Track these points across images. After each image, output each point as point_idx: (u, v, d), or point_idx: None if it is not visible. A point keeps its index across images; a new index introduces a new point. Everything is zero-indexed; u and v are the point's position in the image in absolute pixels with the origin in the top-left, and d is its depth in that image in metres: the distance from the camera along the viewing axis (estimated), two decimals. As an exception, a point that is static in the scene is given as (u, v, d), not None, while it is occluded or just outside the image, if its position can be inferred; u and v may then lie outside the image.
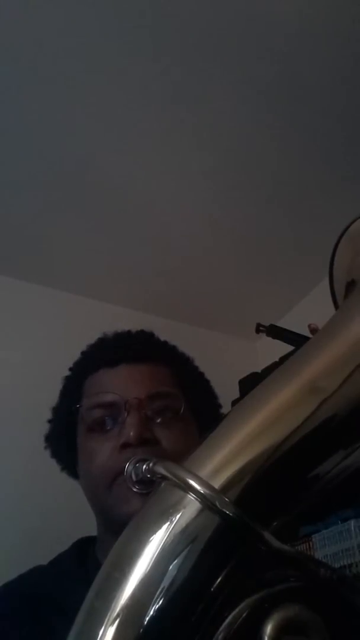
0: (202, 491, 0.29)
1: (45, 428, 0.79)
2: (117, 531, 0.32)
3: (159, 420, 0.68)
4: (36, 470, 1.10)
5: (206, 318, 1.61)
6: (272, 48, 1.02)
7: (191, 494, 0.29)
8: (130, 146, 1.17)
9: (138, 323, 0.84)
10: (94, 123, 1.12)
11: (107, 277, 1.47)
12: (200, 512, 0.29)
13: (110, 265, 1.44)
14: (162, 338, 0.82)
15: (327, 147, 1.20)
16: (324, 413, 0.31)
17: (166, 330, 0.82)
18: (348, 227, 0.48)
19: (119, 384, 0.70)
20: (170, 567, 0.28)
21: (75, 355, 0.80)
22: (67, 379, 0.79)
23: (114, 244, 1.39)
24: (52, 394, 0.79)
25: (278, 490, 0.32)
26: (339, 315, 0.40)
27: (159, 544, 0.29)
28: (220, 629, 0.28)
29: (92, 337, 0.81)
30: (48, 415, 0.79)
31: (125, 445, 0.64)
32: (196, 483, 0.29)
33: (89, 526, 0.73)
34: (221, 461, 0.31)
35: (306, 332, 0.62)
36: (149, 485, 0.32)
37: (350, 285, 0.44)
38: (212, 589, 0.29)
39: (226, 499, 0.29)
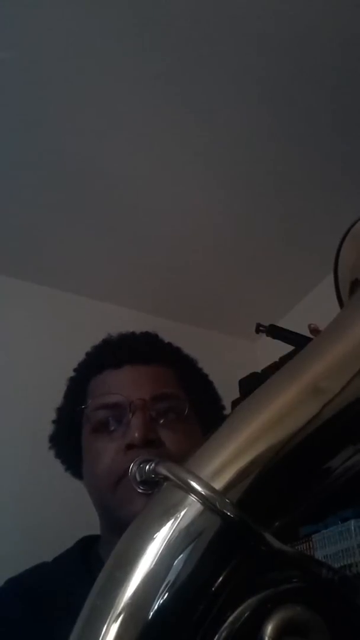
0: (202, 492, 0.29)
1: (46, 428, 0.79)
2: (121, 531, 0.32)
3: (163, 422, 0.68)
4: (38, 470, 1.10)
5: (206, 318, 1.61)
6: (271, 45, 1.02)
7: (192, 494, 0.29)
8: (130, 146, 1.17)
9: (138, 323, 0.84)
10: (93, 123, 1.12)
11: (107, 277, 1.47)
12: (201, 513, 0.29)
13: (110, 266, 1.44)
14: (163, 338, 0.82)
15: (327, 145, 1.20)
16: (327, 415, 0.31)
17: (166, 331, 0.82)
18: (352, 225, 0.48)
19: (123, 385, 0.70)
20: (171, 566, 0.28)
21: (75, 355, 0.80)
22: (72, 380, 0.79)
23: (114, 244, 1.39)
24: (53, 395, 0.79)
25: (279, 492, 0.32)
26: (343, 314, 0.40)
27: (160, 544, 0.29)
28: (223, 627, 0.29)
29: (90, 337, 0.81)
30: (49, 415, 0.79)
31: (129, 447, 0.65)
32: (197, 484, 0.29)
33: (91, 526, 0.73)
34: (222, 462, 0.31)
35: (306, 332, 0.62)
36: (154, 486, 0.33)
37: (354, 285, 0.44)
38: (213, 589, 0.29)
39: (227, 500, 0.29)
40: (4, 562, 0.81)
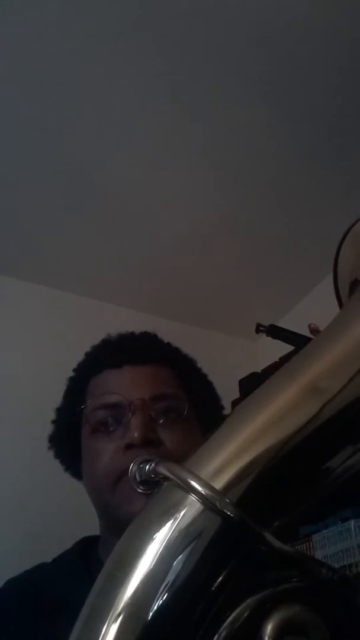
0: (202, 492, 0.29)
1: (46, 428, 0.79)
2: (120, 531, 0.32)
3: (162, 421, 0.68)
4: (38, 470, 1.10)
5: (206, 318, 1.61)
6: (271, 45, 1.02)
7: (192, 494, 0.29)
8: (131, 146, 1.17)
9: (138, 323, 0.84)
10: (94, 123, 1.12)
11: (107, 277, 1.47)
12: (201, 513, 0.29)
13: (110, 266, 1.44)
14: (162, 338, 0.82)
15: (327, 146, 1.20)
16: (326, 414, 0.31)
17: (166, 331, 0.82)
18: (352, 225, 0.48)
19: (123, 385, 0.70)
20: (171, 567, 0.28)
21: (75, 355, 0.80)
22: (71, 380, 0.79)
23: (114, 245, 1.39)
24: (53, 395, 0.79)
25: (279, 491, 0.32)
26: (342, 315, 0.40)
27: (160, 544, 0.29)
28: (222, 627, 0.29)
29: (91, 337, 0.81)
30: (49, 415, 0.79)
31: (129, 446, 0.65)
32: (197, 484, 0.29)
33: (90, 526, 0.73)
34: (222, 462, 0.31)
35: (306, 332, 0.62)
36: (153, 485, 0.32)
37: (354, 285, 0.44)
38: (213, 588, 0.29)
39: (227, 500, 0.29)
40: (4, 563, 0.81)
